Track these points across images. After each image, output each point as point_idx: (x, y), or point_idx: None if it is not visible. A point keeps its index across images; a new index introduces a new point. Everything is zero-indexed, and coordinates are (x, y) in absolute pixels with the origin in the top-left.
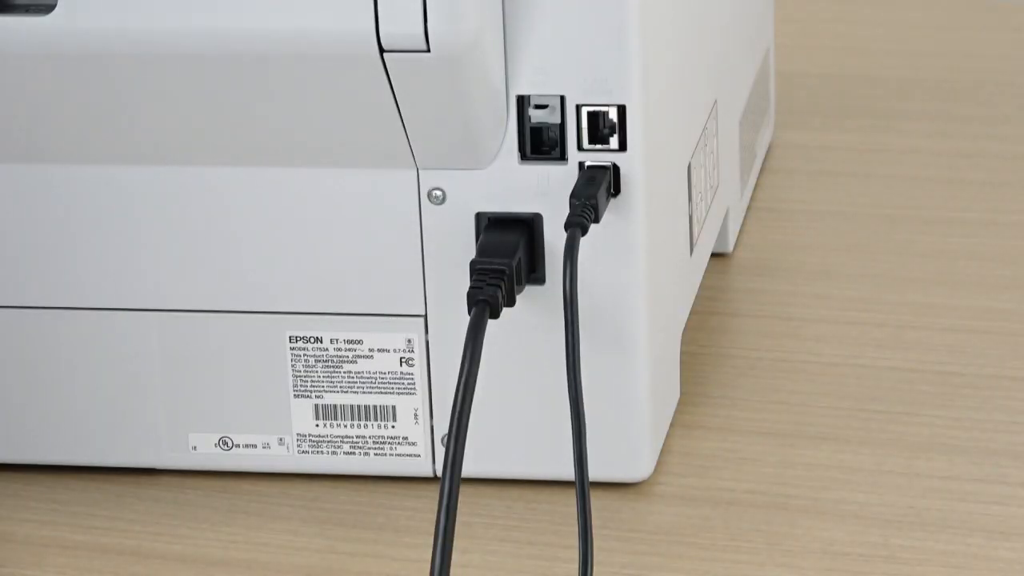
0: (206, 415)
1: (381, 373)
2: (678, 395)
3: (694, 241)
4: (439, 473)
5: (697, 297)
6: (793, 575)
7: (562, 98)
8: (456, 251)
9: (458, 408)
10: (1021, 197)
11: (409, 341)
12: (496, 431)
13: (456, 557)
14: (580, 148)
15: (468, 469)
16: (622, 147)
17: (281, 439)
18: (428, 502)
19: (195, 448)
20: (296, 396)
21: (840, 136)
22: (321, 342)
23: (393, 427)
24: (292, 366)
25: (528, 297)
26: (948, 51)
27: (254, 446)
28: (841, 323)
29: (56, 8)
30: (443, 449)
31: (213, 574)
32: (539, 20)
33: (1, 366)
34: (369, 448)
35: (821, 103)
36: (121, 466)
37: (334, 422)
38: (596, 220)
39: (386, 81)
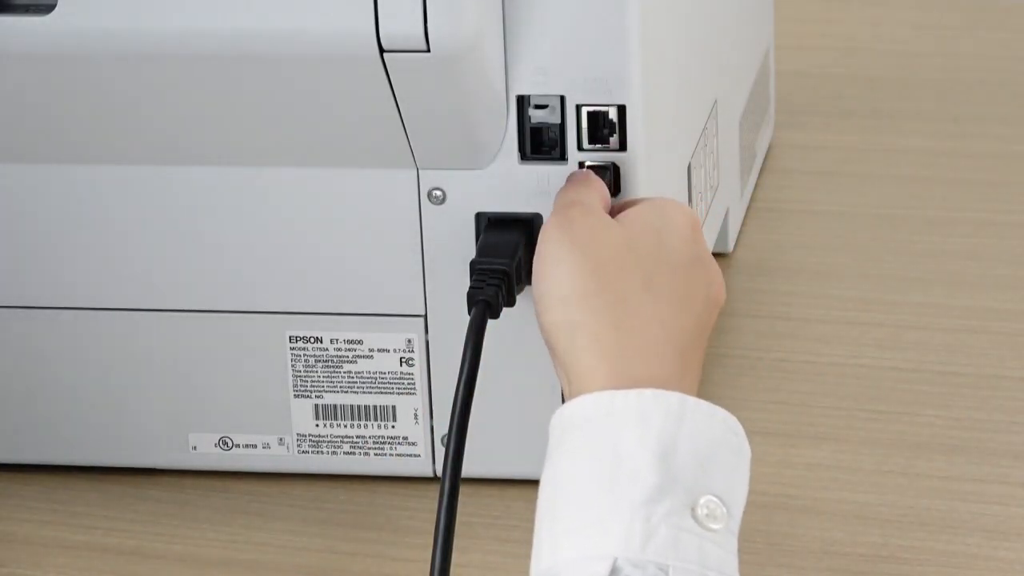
0: (206, 415)
1: (381, 373)
2: None
3: None
4: (439, 473)
5: None
6: (793, 575)
7: (562, 98)
8: (456, 251)
9: (458, 408)
10: (1021, 197)
11: (409, 341)
12: (496, 431)
13: (456, 557)
14: (580, 148)
15: (468, 469)
16: (622, 147)
17: (281, 439)
18: (428, 502)
19: (195, 448)
20: (296, 396)
21: (840, 136)
22: (321, 342)
23: (393, 427)
24: (292, 366)
25: (528, 297)
26: (948, 51)
27: (254, 446)
28: (841, 323)
29: (56, 8)
30: (443, 449)
31: (213, 574)
32: (539, 20)
33: (1, 366)
34: (369, 448)
35: (821, 103)
36: (121, 466)
37: (334, 422)
38: None
39: (386, 81)
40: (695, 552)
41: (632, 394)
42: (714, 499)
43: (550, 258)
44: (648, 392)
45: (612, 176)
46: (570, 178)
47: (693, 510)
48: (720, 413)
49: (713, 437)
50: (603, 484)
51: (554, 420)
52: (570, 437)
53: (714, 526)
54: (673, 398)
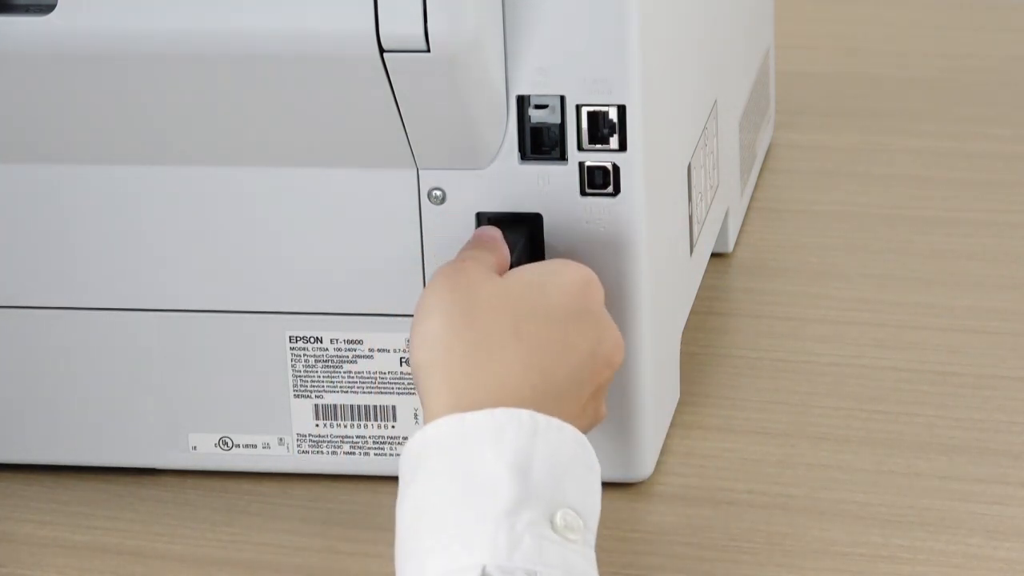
0: (206, 415)
1: (381, 373)
2: (678, 395)
3: (694, 241)
4: None
5: (697, 297)
6: (793, 575)
7: (562, 98)
8: (456, 251)
9: None
10: (1021, 197)
11: (409, 341)
12: None
13: None
14: (580, 148)
15: None
16: (622, 147)
17: (281, 439)
18: None
19: (195, 448)
20: (296, 396)
21: (840, 136)
22: (321, 342)
23: (393, 427)
24: (292, 366)
25: None
26: (948, 51)
27: (254, 446)
28: (841, 323)
29: (56, 8)
30: None
31: (213, 574)
32: (539, 20)
33: (1, 366)
34: (369, 448)
35: (821, 103)
36: (121, 466)
37: (334, 422)
38: None
39: (386, 81)
40: (559, 559)
41: (483, 413)
42: (571, 511)
43: (426, 303)
44: (499, 410)
45: (612, 176)
46: (474, 236)
47: (552, 521)
48: (568, 429)
49: (565, 451)
50: (465, 501)
51: (404, 453)
52: (425, 464)
53: (572, 536)
54: (524, 415)
